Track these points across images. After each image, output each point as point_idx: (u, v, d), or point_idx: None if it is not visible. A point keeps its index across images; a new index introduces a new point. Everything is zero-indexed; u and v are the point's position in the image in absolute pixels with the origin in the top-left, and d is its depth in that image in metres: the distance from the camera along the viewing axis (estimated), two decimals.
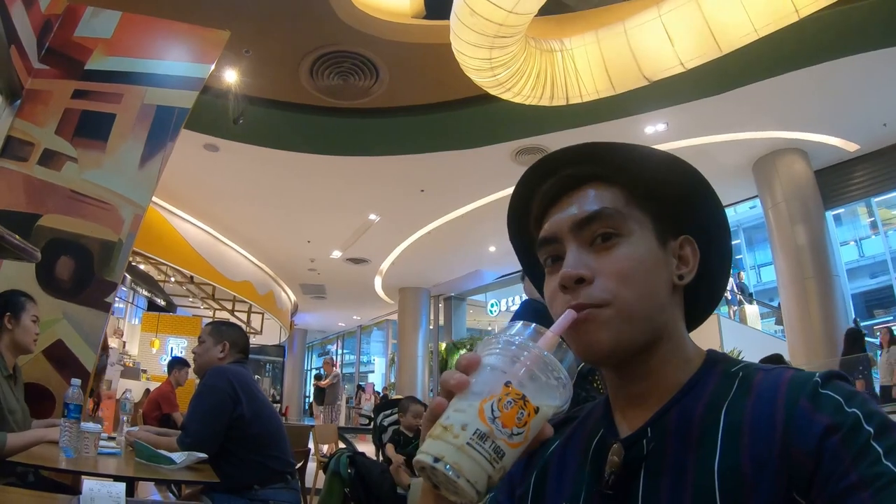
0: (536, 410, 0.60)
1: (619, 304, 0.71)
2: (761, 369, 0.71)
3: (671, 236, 0.79)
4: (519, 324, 0.67)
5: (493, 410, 0.59)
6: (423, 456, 0.58)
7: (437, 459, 0.57)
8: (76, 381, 2.57)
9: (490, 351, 0.64)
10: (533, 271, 0.88)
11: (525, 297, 3.37)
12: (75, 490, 2.53)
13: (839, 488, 0.56)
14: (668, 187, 0.79)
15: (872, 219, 19.27)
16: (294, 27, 7.19)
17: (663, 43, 6.50)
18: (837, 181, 9.84)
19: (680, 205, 0.80)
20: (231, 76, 7.79)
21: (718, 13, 6.08)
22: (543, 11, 6.13)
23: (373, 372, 27.50)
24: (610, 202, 0.76)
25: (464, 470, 0.57)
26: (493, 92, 7.34)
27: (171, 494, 4.20)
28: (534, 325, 0.66)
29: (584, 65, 7.22)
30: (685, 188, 0.81)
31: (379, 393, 18.37)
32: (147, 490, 4.64)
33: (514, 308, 18.75)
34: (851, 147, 9.36)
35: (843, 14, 6.20)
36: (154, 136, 3.84)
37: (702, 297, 0.84)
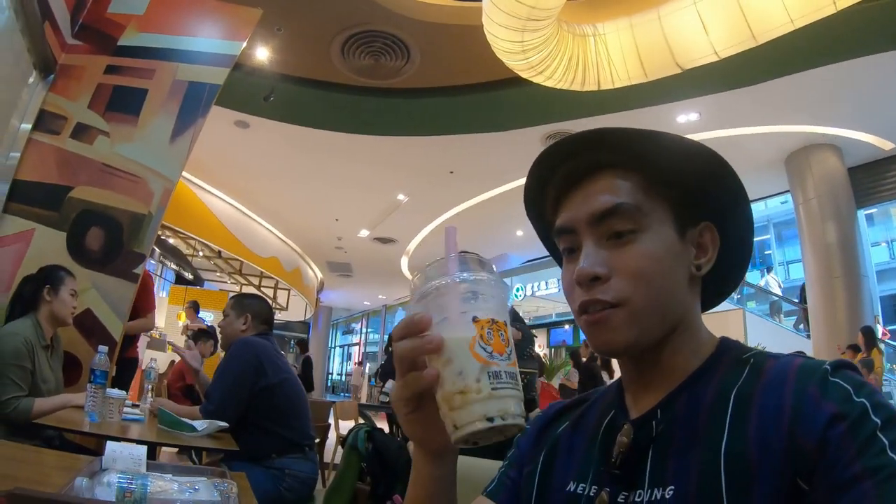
0: (506, 323, 0.63)
1: (634, 304, 0.72)
2: (772, 356, 0.72)
3: (691, 224, 0.78)
4: (427, 269, 0.67)
5: (483, 348, 0.60)
6: (471, 427, 0.59)
7: (486, 419, 0.59)
8: (103, 349, 2.65)
9: (430, 303, 0.64)
10: (554, 253, 0.87)
11: None
12: (98, 454, 2.61)
13: (843, 477, 0.56)
14: (688, 173, 0.78)
15: None
16: (326, 6, 7.19)
17: (697, 31, 6.39)
18: (871, 180, 9.64)
19: (700, 191, 0.79)
20: (263, 53, 7.83)
21: (755, 2, 5.95)
22: None
23: None
24: (628, 195, 0.75)
25: (508, 410, 0.60)
26: (524, 75, 7.28)
27: (190, 464, 4.29)
28: (436, 261, 0.66)
29: (617, 50, 7.13)
30: (705, 172, 0.79)
31: None
32: (168, 460, 4.75)
33: (540, 293, 18.74)
34: (887, 145, 9.15)
35: (882, 8, 6.04)
36: (185, 112, 3.89)
37: (717, 284, 0.84)
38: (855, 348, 7.82)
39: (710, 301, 0.86)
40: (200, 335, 7.24)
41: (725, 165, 0.80)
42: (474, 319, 0.62)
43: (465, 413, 0.60)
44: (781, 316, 12.69)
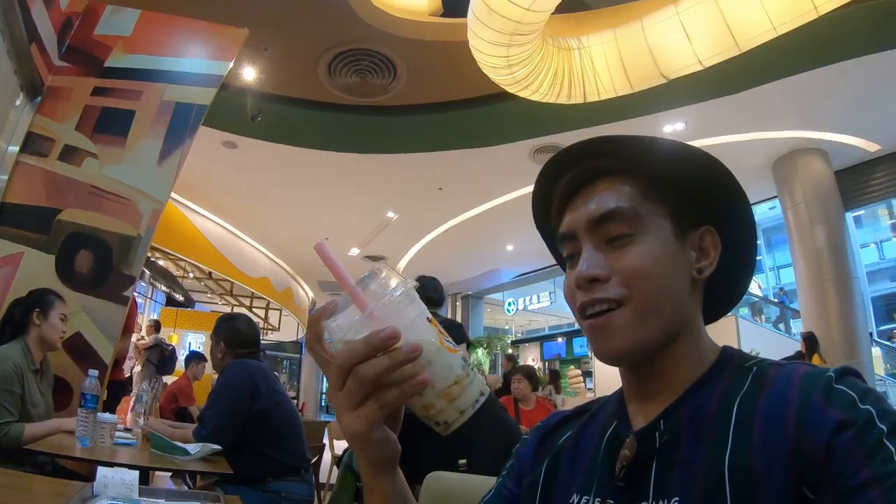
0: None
1: (635, 302, 0.72)
2: (775, 364, 0.71)
3: (691, 228, 0.78)
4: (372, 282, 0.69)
5: (447, 341, 0.65)
6: (472, 408, 0.64)
7: (481, 394, 0.65)
8: (93, 372, 2.62)
9: (384, 316, 0.62)
10: (562, 262, 0.87)
11: None
12: (90, 480, 2.57)
13: (849, 485, 0.56)
14: (685, 177, 0.78)
15: (893, 221, 19.00)
16: (312, 25, 7.22)
17: (681, 41, 6.44)
18: (858, 182, 9.70)
19: (698, 194, 0.79)
20: (249, 74, 7.84)
21: (736, 10, 6.02)
22: (561, 9, 6.10)
23: None
24: (625, 199, 0.76)
25: (484, 381, 0.66)
26: (510, 90, 7.32)
27: (185, 486, 4.25)
28: (364, 278, 0.70)
29: (602, 63, 7.18)
30: (703, 177, 0.79)
31: None
32: (162, 483, 4.70)
33: (532, 307, 18.75)
34: (872, 147, 9.21)
35: (863, 12, 6.11)
36: (173, 133, 3.88)
37: (723, 291, 0.84)
38: (800, 355, 7.97)
39: (720, 309, 0.86)
40: (192, 358, 7.21)
41: (722, 169, 0.80)
42: (428, 318, 0.65)
43: (463, 399, 0.64)
44: (762, 317, 13.24)
